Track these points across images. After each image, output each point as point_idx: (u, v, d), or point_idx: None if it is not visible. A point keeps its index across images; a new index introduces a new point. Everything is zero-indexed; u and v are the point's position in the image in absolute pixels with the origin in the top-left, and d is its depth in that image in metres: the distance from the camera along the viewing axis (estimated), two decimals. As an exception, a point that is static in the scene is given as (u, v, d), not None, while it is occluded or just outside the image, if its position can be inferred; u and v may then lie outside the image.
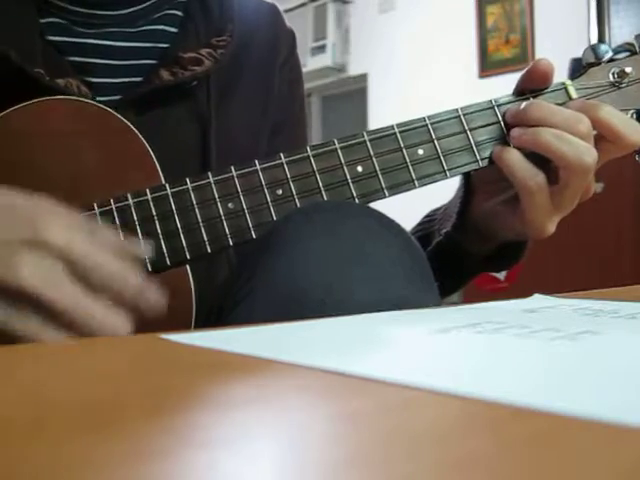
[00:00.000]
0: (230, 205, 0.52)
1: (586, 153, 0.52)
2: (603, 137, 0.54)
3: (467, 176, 0.61)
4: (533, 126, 0.54)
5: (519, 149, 0.54)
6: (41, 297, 0.38)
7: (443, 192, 0.66)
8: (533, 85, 0.57)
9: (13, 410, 0.19)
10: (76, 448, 0.16)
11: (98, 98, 0.58)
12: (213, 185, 0.52)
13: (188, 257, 0.52)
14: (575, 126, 0.52)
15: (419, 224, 0.67)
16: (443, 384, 0.20)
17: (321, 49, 4.12)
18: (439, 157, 0.55)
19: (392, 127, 0.55)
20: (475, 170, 0.57)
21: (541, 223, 0.55)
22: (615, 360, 0.25)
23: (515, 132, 0.55)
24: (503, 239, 0.61)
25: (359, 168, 0.54)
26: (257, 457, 0.15)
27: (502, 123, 0.57)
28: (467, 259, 0.61)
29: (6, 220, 0.40)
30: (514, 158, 0.53)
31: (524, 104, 0.55)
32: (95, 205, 0.51)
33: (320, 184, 0.53)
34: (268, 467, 0.14)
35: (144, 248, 0.47)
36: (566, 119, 0.53)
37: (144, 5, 0.64)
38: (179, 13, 0.66)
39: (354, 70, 4.15)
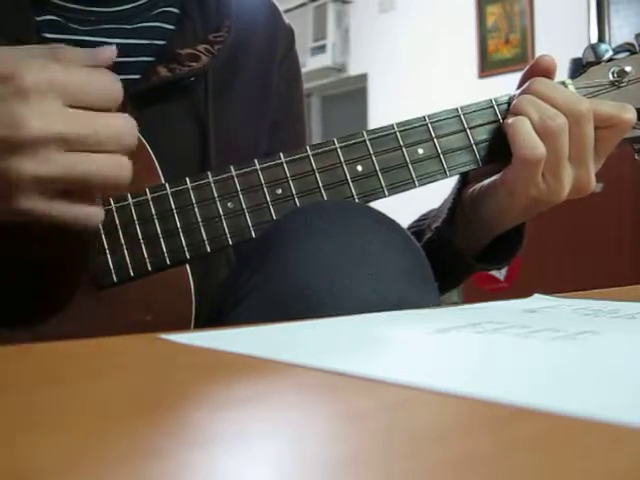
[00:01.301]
0: (229, 204, 0.52)
1: (551, 117, 0.53)
2: (597, 127, 0.55)
3: (464, 174, 0.61)
4: None
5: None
6: (49, 138, 0.41)
7: (443, 192, 0.66)
8: None
9: (11, 409, 0.19)
10: (74, 446, 0.15)
11: None
12: (212, 184, 0.52)
13: (187, 256, 0.52)
14: (572, 104, 0.53)
15: (414, 221, 0.67)
16: (443, 384, 0.20)
17: (321, 49, 4.12)
18: (439, 156, 0.55)
19: (392, 126, 0.55)
20: (474, 169, 0.57)
21: (520, 195, 0.56)
22: (615, 360, 0.24)
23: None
24: (494, 227, 0.60)
25: (359, 167, 0.54)
26: (256, 457, 0.15)
27: (502, 122, 0.57)
28: (457, 255, 0.61)
29: None
30: (520, 125, 0.54)
31: (529, 81, 0.56)
32: (95, 205, 0.51)
33: (320, 183, 0.53)
34: (267, 466, 0.14)
35: (108, 51, 0.48)
36: (565, 96, 0.54)
37: (140, 2, 0.64)
38: (175, 10, 0.66)
39: (354, 70, 4.15)
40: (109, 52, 0.48)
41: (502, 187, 0.56)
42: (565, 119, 0.53)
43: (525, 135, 0.53)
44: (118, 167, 0.45)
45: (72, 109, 0.43)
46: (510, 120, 0.55)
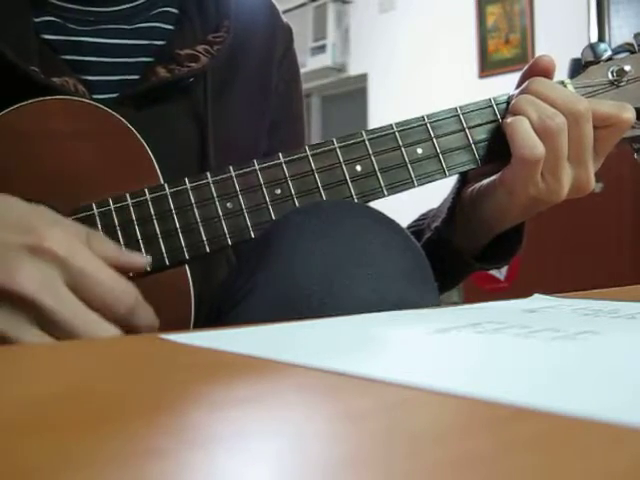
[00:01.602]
0: (229, 205, 0.52)
1: (550, 116, 0.53)
2: (596, 126, 0.55)
3: (463, 174, 0.61)
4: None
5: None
6: (36, 301, 0.39)
7: (443, 192, 0.66)
8: None
9: (11, 408, 0.19)
10: (73, 447, 0.15)
11: (95, 96, 0.58)
12: (211, 185, 0.52)
13: (187, 257, 0.51)
14: (571, 104, 0.53)
15: (414, 221, 0.67)
16: (443, 384, 0.20)
17: (321, 49, 4.12)
18: (438, 156, 0.55)
19: (391, 126, 0.55)
20: (473, 169, 0.57)
21: (519, 194, 0.56)
22: (615, 360, 0.24)
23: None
24: (494, 226, 0.60)
25: (358, 167, 0.54)
26: (256, 457, 0.15)
27: (501, 121, 0.57)
28: (457, 255, 0.61)
29: (9, 223, 0.41)
30: (519, 125, 0.54)
31: (528, 81, 0.56)
32: (94, 205, 0.51)
33: (319, 183, 0.53)
34: (267, 466, 0.14)
35: (143, 260, 0.47)
36: (564, 95, 0.54)
37: (139, 2, 0.64)
38: (174, 10, 0.66)
39: (354, 70, 4.15)
40: (143, 262, 0.46)
41: (501, 187, 0.56)
42: (564, 119, 0.53)
43: (524, 135, 0.53)
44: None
45: (68, 291, 0.40)
46: (509, 120, 0.55)
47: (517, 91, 0.57)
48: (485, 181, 0.59)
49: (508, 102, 0.57)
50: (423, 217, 0.66)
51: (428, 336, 0.30)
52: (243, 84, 0.67)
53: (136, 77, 0.61)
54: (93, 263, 0.42)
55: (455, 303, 0.49)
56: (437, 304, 0.47)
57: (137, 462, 0.14)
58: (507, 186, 0.55)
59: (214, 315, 0.51)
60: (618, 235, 2.33)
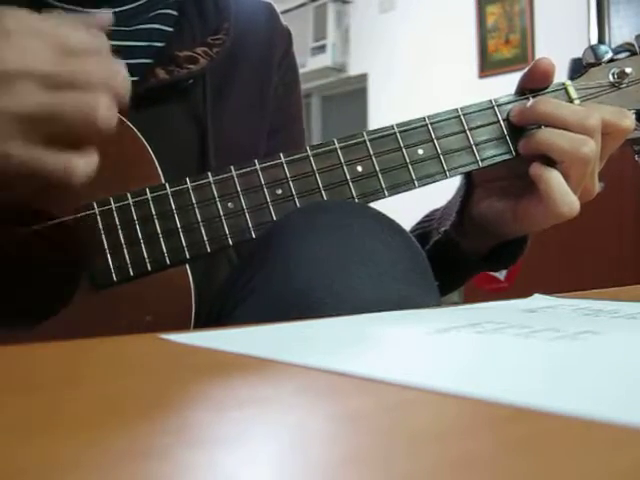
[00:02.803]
0: (230, 205, 0.52)
1: (582, 144, 0.53)
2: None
3: (467, 175, 0.61)
4: (536, 125, 0.55)
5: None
6: (36, 72, 0.40)
7: (444, 192, 0.66)
8: (534, 84, 0.57)
9: (10, 408, 0.19)
10: (73, 447, 0.15)
11: None
12: (213, 185, 0.52)
13: (188, 256, 0.52)
14: (584, 119, 0.53)
15: (418, 223, 0.67)
16: (443, 384, 0.20)
17: (321, 49, 4.12)
18: (439, 157, 0.55)
19: (392, 127, 0.55)
20: (475, 170, 0.57)
21: (539, 227, 0.57)
22: (615, 360, 0.24)
23: (521, 145, 0.56)
24: (502, 237, 0.61)
25: (359, 168, 0.54)
26: (256, 457, 0.15)
27: (502, 123, 0.57)
28: (465, 258, 0.61)
29: None
30: (554, 181, 0.53)
31: (530, 102, 0.56)
32: (95, 204, 0.51)
33: (320, 184, 0.53)
34: (268, 466, 0.14)
35: (106, 16, 0.47)
36: (574, 112, 0.54)
37: (138, 4, 0.64)
38: (174, 12, 0.66)
39: (354, 70, 4.15)
40: (106, 17, 0.46)
41: (523, 223, 0.57)
42: (593, 144, 0.53)
43: (561, 192, 0.53)
44: (106, 108, 0.42)
45: (60, 50, 0.41)
46: (540, 172, 0.54)
47: (522, 107, 0.56)
48: (501, 206, 0.58)
49: (509, 102, 0.57)
50: (428, 218, 0.66)
51: (428, 336, 0.30)
52: (242, 86, 0.67)
53: (135, 78, 0.61)
54: (64, 25, 0.42)
55: (455, 303, 0.49)
56: (437, 304, 0.48)
57: (137, 462, 0.14)
58: (530, 223, 0.56)
59: (215, 315, 0.51)
60: (618, 235, 2.33)
